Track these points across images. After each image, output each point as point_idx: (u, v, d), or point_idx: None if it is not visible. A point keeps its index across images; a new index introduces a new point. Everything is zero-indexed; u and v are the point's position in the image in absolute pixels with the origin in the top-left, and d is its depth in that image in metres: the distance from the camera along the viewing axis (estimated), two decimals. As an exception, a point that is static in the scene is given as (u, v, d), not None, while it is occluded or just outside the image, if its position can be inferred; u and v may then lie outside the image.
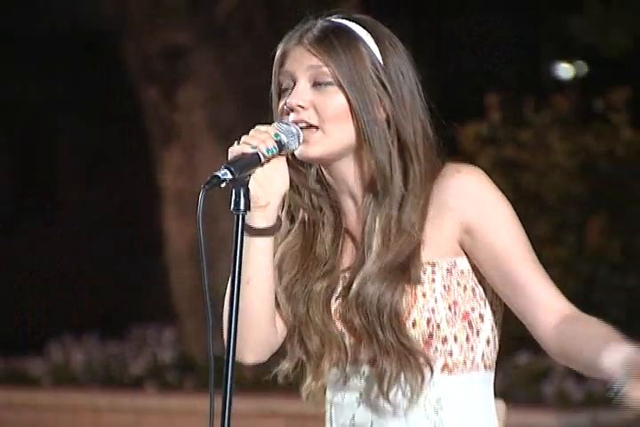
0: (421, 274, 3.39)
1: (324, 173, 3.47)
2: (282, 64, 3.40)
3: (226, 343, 3.27)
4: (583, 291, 12.01)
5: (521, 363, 11.72)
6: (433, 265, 3.43)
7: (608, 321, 12.52)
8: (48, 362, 14.17)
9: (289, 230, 3.50)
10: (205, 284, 3.29)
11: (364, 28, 3.41)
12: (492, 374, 3.50)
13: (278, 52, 3.42)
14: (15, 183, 17.41)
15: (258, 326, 3.43)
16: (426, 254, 3.42)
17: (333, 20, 3.41)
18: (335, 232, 3.47)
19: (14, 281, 16.30)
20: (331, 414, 3.51)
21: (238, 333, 3.32)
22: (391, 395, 3.42)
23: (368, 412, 3.47)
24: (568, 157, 12.24)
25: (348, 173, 3.41)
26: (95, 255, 16.79)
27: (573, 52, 15.68)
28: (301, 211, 3.46)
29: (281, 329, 3.49)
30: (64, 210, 17.54)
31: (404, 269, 3.38)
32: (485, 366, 3.45)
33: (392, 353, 3.35)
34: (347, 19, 3.41)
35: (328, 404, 3.53)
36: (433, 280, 3.40)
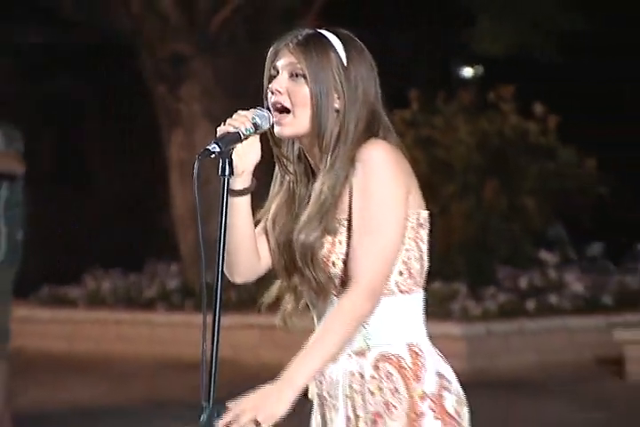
0: (337, 226, 3.30)
1: (303, 150, 3.42)
2: (272, 60, 3.37)
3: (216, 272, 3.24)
4: (481, 234, 12.06)
5: (435, 288, 11.71)
6: (349, 220, 3.29)
7: (499, 257, 12.46)
8: (84, 289, 14.13)
9: (278, 192, 3.47)
10: (199, 227, 3.26)
11: (339, 38, 3.35)
12: (412, 296, 3.30)
13: (271, 51, 3.34)
14: (58, 158, 17.28)
15: (242, 256, 3.34)
16: (343, 211, 3.30)
17: (318, 30, 3.38)
18: (305, 192, 3.44)
19: (57, 230, 16.20)
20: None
21: (228, 262, 3.27)
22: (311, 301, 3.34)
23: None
24: (469, 136, 12.28)
25: (313, 151, 3.37)
26: (118, 209, 16.69)
27: (473, 58, 15.62)
28: (287, 177, 3.43)
29: (267, 260, 3.43)
30: (94, 176, 17.47)
31: (323, 223, 3.32)
32: (401, 292, 3.28)
33: (318, 285, 3.30)
34: (328, 30, 3.37)
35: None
36: (348, 230, 3.31)
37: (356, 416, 3.29)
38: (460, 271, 12.08)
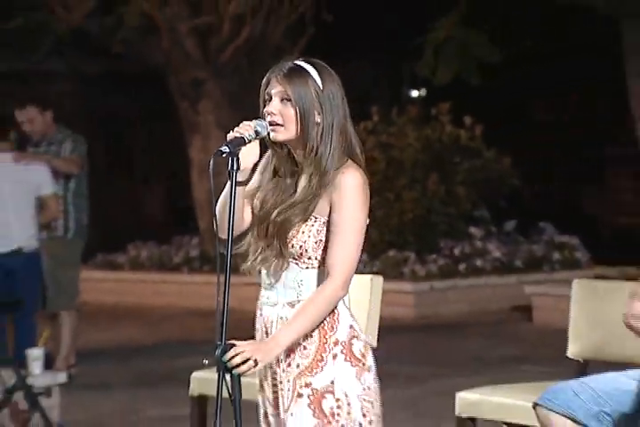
0: (311, 219, 3.25)
1: (291, 149, 3.38)
2: (266, 88, 3.33)
3: (219, 239, 3.22)
4: (426, 215, 12.03)
5: (390, 255, 11.67)
6: (316, 218, 3.26)
7: (439, 232, 12.29)
8: (127, 256, 14.07)
9: (269, 179, 3.43)
10: (214, 208, 3.24)
11: (314, 67, 3.32)
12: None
13: (265, 80, 3.31)
14: (112, 158, 17.22)
15: (236, 222, 3.35)
16: (319, 211, 3.26)
17: (297, 62, 3.34)
18: (290, 182, 3.40)
19: (109, 211, 16.15)
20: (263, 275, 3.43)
21: (222, 227, 3.23)
22: (281, 276, 3.30)
23: (273, 279, 3.30)
24: (416, 141, 12.22)
25: (298, 150, 3.33)
26: (153, 196, 16.66)
27: (419, 83, 15.59)
28: (278, 170, 3.39)
29: (247, 224, 3.40)
30: (136, 171, 17.42)
31: (304, 213, 3.27)
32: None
33: (272, 250, 3.26)
34: (306, 61, 3.34)
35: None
36: (312, 225, 3.25)
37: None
38: (409, 242, 12.06)
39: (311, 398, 3.23)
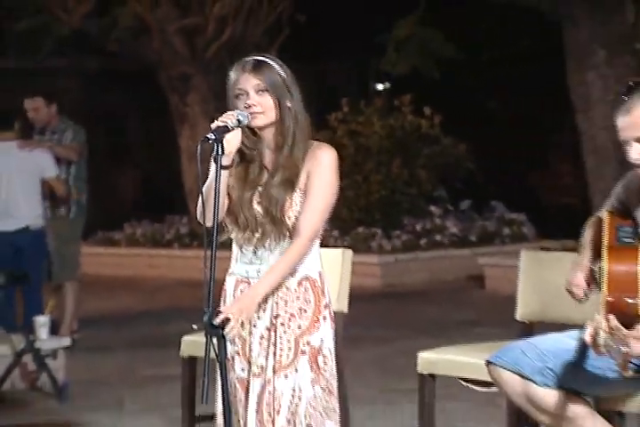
0: (296, 191, 3.28)
1: (262, 135, 3.38)
2: (236, 83, 3.32)
3: (204, 221, 3.19)
4: (391, 195, 12.05)
5: (359, 231, 11.69)
6: (301, 190, 3.27)
7: (403, 210, 12.26)
8: (124, 233, 14.03)
9: (238, 164, 3.42)
10: (201, 189, 3.24)
11: (276, 63, 3.34)
12: (318, 242, 3.35)
13: (233, 77, 3.29)
14: (110, 146, 17.18)
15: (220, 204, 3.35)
16: (299, 183, 3.28)
17: (255, 57, 3.34)
18: (259, 166, 3.39)
19: (108, 193, 16.08)
20: (237, 254, 3.43)
21: (209, 213, 3.18)
22: (266, 244, 3.31)
23: (261, 253, 3.33)
24: (381, 129, 12.24)
25: (272, 135, 3.33)
26: (147, 179, 16.60)
27: (384, 77, 15.57)
28: (246, 155, 3.39)
29: (225, 208, 3.39)
30: (132, 157, 17.35)
31: (291, 186, 3.29)
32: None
33: (274, 225, 3.27)
34: (260, 56, 3.34)
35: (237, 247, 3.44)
36: (298, 197, 3.27)
37: (277, 315, 3.30)
38: (376, 220, 12.07)
39: (309, 354, 3.27)
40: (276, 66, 3.33)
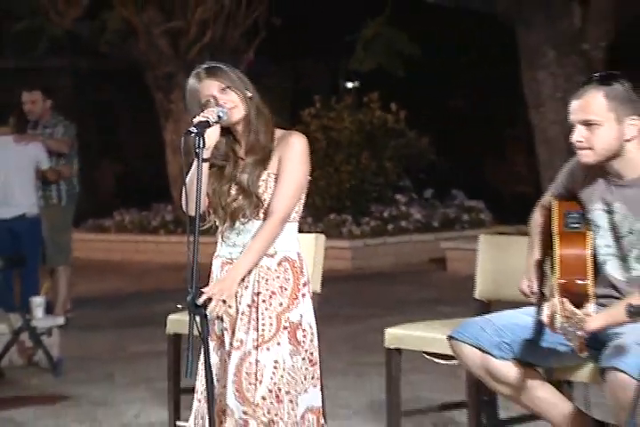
0: (263, 173, 3.26)
1: (237, 130, 3.38)
2: (199, 93, 3.30)
3: (188, 210, 3.18)
4: (360, 185, 12.06)
5: (331, 218, 11.69)
6: (274, 174, 3.25)
7: (371, 199, 12.21)
8: (113, 220, 13.98)
9: (215, 157, 3.41)
10: (185, 180, 3.23)
11: (225, 65, 3.33)
12: (296, 224, 3.34)
13: (193, 88, 3.26)
14: (102, 140, 17.10)
15: (202, 196, 3.33)
16: (269, 166, 3.26)
17: (210, 64, 3.33)
18: (234, 161, 3.38)
19: (98, 183, 16.01)
20: (222, 238, 3.43)
21: (193, 204, 3.15)
22: (242, 223, 3.29)
23: (237, 234, 3.30)
24: (351, 124, 12.24)
25: (241, 128, 3.32)
26: (135, 170, 16.52)
27: (353, 76, 15.55)
28: (219, 156, 3.38)
29: (207, 203, 3.38)
30: (122, 150, 17.27)
31: (263, 170, 3.27)
32: (294, 221, 3.32)
33: (247, 199, 3.25)
34: (216, 63, 3.34)
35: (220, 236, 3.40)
36: (272, 181, 3.25)
37: (259, 293, 3.29)
38: (347, 207, 12.07)
39: (289, 329, 3.26)
40: (226, 68, 3.31)
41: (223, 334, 3.32)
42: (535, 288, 3.37)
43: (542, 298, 3.32)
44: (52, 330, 6.71)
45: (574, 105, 3.18)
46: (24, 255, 7.29)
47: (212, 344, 3.33)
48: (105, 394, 5.98)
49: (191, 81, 3.30)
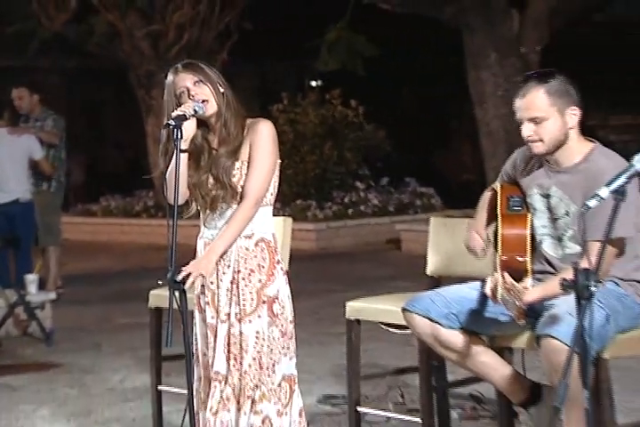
0: (236, 162, 3.23)
1: (210, 122, 3.34)
2: (174, 85, 3.27)
3: (170, 194, 3.16)
4: (323, 173, 12.04)
5: (297, 203, 11.68)
6: (243, 162, 3.21)
7: (333, 186, 12.17)
8: (99, 205, 13.91)
9: (193, 150, 3.39)
10: (165, 170, 3.20)
11: (201, 62, 3.30)
12: (271, 208, 3.30)
13: (170, 80, 3.22)
14: (91, 133, 16.91)
15: (182, 185, 3.30)
16: (241, 154, 3.23)
17: (187, 60, 3.31)
18: (208, 152, 3.36)
19: (85, 172, 15.87)
20: (204, 221, 3.42)
21: (173, 192, 3.10)
22: (226, 215, 3.26)
23: (217, 219, 3.28)
24: (315, 118, 12.21)
25: (214, 121, 3.30)
26: (119, 161, 16.40)
27: (317, 75, 15.50)
28: (196, 148, 3.36)
29: (188, 193, 3.36)
30: (107, 142, 17.12)
31: (235, 158, 3.24)
32: (268, 204, 3.28)
33: (223, 189, 3.21)
34: (195, 61, 3.32)
35: (203, 221, 3.36)
36: (241, 167, 3.22)
37: (239, 271, 3.27)
38: (311, 194, 12.07)
39: (267, 303, 3.24)
40: (202, 64, 3.26)
41: (205, 309, 3.32)
42: (481, 238, 3.37)
43: (486, 249, 3.33)
44: (45, 304, 6.69)
45: (519, 104, 3.20)
46: (18, 237, 7.27)
47: (198, 317, 3.33)
48: (93, 362, 5.97)
49: (169, 75, 3.25)
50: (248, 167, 3.24)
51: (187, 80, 3.21)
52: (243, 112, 3.28)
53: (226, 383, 3.22)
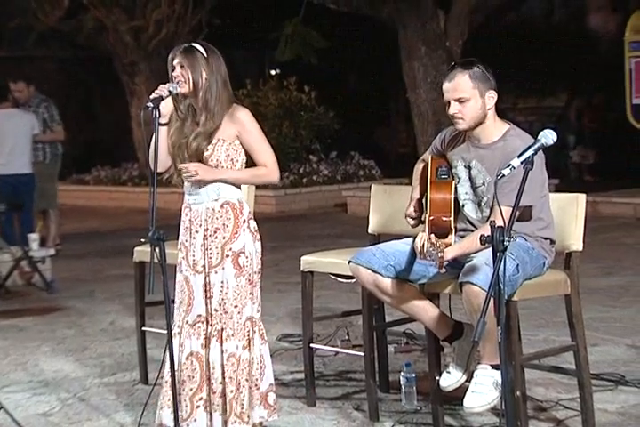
0: (216, 142, 3.15)
1: (192, 101, 3.27)
2: (171, 62, 3.21)
3: (152, 165, 3.12)
4: (281, 148, 11.91)
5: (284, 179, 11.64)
6: (224, 140, 3.15)
7: (289, 159, 12.08)
8: (92, 175, 13.77)
9: (175, 122, 3.35)
10: (145, 145, 3.17)
11: (203, 47, 3.23)
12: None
13: (170, 57, 3.15)
14: (83, 114, 16.59)
15: (162, 156, 3.26)
16: (220, 134, 3.17)
17: (192, 44, 3.25)
18: (192, 122, 3.32)
19: (79, 146, 15.61)
20: (185, 188, 3.37)
21: (154, 161, 3.03)
22: (204, 184, 3.20)
23: (197, 187, 3.19)
24: (275, 101, 12.13)
25: (197, 100, 3.26)
26: (108, 138, 16.16)
27: (276, 64, 15.34)
28: (181, 115, 3.31)
29: (168, 162, 3.33)
30: (97, 122, 16.83)
31: (208, 139, 3.17)
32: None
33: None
34: (198, 43, 3.26)
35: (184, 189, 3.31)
36: (222, 146, 3.13)
37: (207, 229, 3.24)
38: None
39: (232, 256, 3.20)
40: (201, 49, 3.16)
41: (181, 262, 3.30)
42: (417, 212, 3.40)
43: (421, 219, 3.35)
44: (46, 258, 6.68)
45: (447, 87, 3.20)
46: (22, 202, 7.21)
47: (177, 268, 3.29)
48: (87, 307, 5.94)
49: (174, 50, 3.20)
50: (225, 146, 3.17)
51: (177, 61, 3.16)
52: (227, 98, 3.18)
53: (208, 323, 3.20)
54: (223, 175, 3.19)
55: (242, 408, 3.17)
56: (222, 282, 3.20)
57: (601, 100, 13.25)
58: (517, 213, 2.74)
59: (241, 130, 3.17)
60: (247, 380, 3.19)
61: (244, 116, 3.18)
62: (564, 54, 13.82)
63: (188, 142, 3.19)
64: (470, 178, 3.27)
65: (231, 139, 3.18)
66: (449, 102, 3.19)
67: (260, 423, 3.27)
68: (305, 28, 12.07)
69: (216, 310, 3.20)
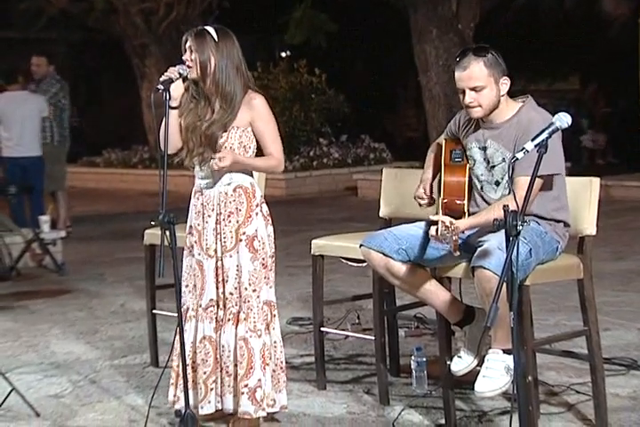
0: (231, 129, 3.14)
1: (203, 86, 3.23)
2: (185, 44, 3.19)
3: (163, 147, 3.10)
4: (291, 131, 12.00)
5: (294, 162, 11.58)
6: (237, 128, 3.14)
7: (300, 142, 12.09)
8: (102, 158, 13.78)
9: (187, 104, 3.32)
10: (157, 128, 3.12)
11: (216, 31, 3.19)
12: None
13: (184, 39, 3.12)
14: (91, 96, 16.57)
15: (173, 138, 3.24)
16: (235, 123, 3.13)
17: (205, 27, 3.22)
18: (205, 105, 3.30)
19: (89, 129, 15.62)
20: (196, 172, 3.36)
21: (165, 144, 3.05)
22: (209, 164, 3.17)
23: (209, 171, 3.20)
24: (285, 84, 12.10)
25: (210, 84, 3.23)
26: (118, 120, 16.15)
27: (287, 47, 15.29)
28: (195, 97, 3.28)
29: (180, 143, 3.31)
30: (107, 104, 16.83)
31: (224, 126, 3.15)
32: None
33: (213, 153, 3.13)
34: (211, 26, 3.23)
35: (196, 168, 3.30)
36: (235, 133, 3.12)
37: (220, 213, 3.23)
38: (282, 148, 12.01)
39: (247, 240, 3.19)
40: (213, 32, 3.12)
41: (193, 246, 3.29)
42: (427, 193, 3.37)
43: (431, 201, 3.33)
44: (56, 241, 6.68)
45: (461, 75, 3.16)
46: (32, 185, 7.21)
47: (187, 253, 3.29)
48: (98, 289, 5.95)
49: (187, 34, 3.16)
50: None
51: (188, 44, 3.14)
52: (241, 85, 3.14)
53: (218, 307, 3.20)
54: (241, 160, 3.15)
55: (258, 392, 3.14)
56: (237, 266, 3.20)
57: (614, 85, 13.18)
58: (541, 182, 2.70)
59: (256, 117, 3.15)
60: (269, 364, 3.18)
61: (259, 103, 3.16)
62: (576, 37, 13.72)
63: (202, 127, 3.17)
64: (486, 158, 3.24)
65: (245, 126, 3.17)
66: (463, 91, 3.15)
67: (284, 406, 3.27)
68: (314, 12, 12.03)
69: (231, 294, 3.20)
